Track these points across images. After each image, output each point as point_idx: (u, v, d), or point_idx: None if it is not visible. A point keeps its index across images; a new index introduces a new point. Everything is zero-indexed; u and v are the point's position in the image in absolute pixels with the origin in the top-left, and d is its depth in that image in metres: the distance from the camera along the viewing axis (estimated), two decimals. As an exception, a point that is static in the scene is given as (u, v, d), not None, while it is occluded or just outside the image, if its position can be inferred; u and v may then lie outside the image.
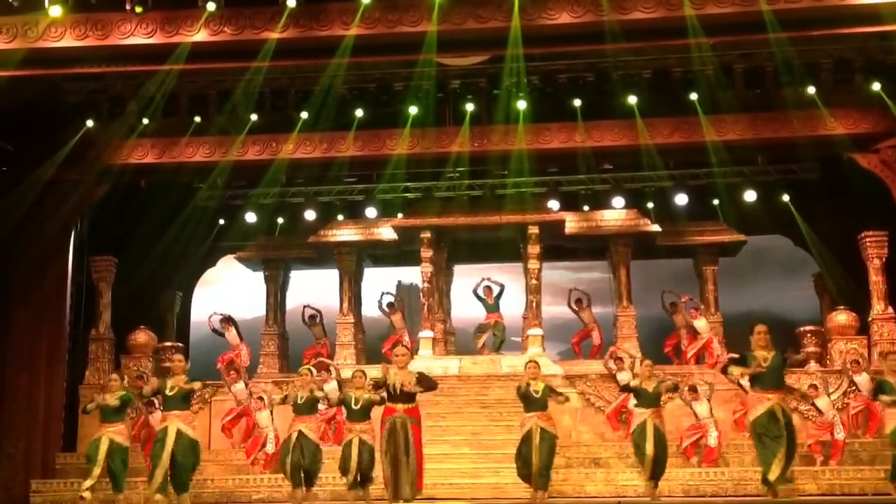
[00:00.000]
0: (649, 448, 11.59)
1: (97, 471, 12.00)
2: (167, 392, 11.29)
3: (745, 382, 14.72)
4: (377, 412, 11.09)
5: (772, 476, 10.02)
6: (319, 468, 12.24)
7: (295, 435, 11.92)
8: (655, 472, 11.79)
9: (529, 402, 11.65)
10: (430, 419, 15.03)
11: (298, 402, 12.09)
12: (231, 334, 17.34)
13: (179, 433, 11.15)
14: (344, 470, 11.61)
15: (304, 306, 19.15)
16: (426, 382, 10.61)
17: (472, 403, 15.61)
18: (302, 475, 11.90)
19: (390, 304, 18.77)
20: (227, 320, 17.46)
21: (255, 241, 19.91)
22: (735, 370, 10.50)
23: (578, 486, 13.92)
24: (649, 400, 11.86)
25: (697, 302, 18.07)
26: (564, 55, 15.19)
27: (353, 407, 11.61)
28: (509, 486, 13.16)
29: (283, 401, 12.51)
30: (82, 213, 16.84)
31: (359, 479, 11.50)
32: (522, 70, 14.66)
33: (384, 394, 11.29)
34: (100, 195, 16.45)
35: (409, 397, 10.54)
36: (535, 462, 11.37)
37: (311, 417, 12.27)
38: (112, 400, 12.05)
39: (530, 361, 12.16)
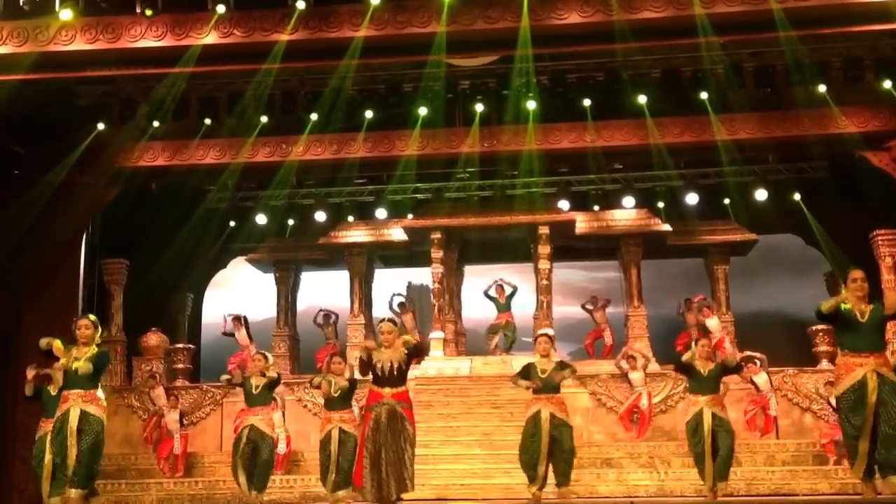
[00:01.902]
0: (707, 445, 9.89)
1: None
2: (71, 366, 8.64)
3: (761, 380, 14.78)
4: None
5: (856, 470, 8.01)
6: (271, 471, 11.38)
7: (245, 431, 10.93)
8: (719, 471, 10.02)
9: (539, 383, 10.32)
10: (441, 419, 15.09)
11: (252, 391, 11.07)
12: (241, 334, 17.37)
13: (84, 416, 8.59)
14: (324, 466, 10.72)
15: (320, 310, 19.16)
16: (415, 348, 9.14)
17: (484, 404, 15.60)
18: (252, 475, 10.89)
19: (401, 305, 18.77)
20: (238, 319, 17.47)
21: (265, 242, 19.98)
22: (827, 304, 8.03)
23: (590, 486, 13.89)
24: (706, 385, 10.16)
25: (710, 301, 18.01)
26: (574, 55, 15.18)
27: (332, 394, 10.82)
28: (520, 486, 13.09)
29: (230, 382, 11.69)
30: (94, 216, 16.91)
31: (339, 475, 10.60)
32: (532, 70, 14.64)
33: (358, 376, 10.60)
34: (111, 198, 16.49)
35: (397, 380, 8.92)
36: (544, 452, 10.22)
37: (266, 409, 11.22)
38: (54, 390, 10.00)
39: (541, 335, 10.96)
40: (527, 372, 10.48)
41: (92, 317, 9.02)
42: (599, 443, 15.37)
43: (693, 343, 10.93)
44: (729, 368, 10.69)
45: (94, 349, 8.70)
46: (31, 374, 10.64)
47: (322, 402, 11.67)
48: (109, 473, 14.96)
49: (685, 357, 10.42)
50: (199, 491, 14.49)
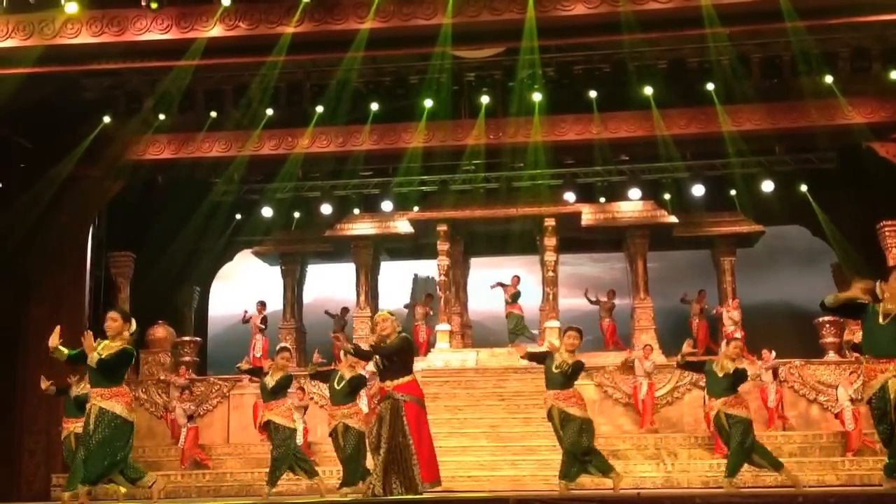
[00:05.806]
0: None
1: None
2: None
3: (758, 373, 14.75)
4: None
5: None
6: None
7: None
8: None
9: (548, 377, 10.05)
10: (448, 411, 15.10)
11: (336, 386, 10.86)
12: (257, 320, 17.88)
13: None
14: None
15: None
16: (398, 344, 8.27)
17: (490, 396, 15.62)
18: None
19: (427, 296, 19.11)
20: (263, 304, 18.27)
21: (271, 235, 20.01)
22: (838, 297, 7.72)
23: (597, 477, 13.88)
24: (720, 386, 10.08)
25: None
26: (580, 46, 15.13)
27: (269, 386, 10.52)
28: (527, 477, 13.15)
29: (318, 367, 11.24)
30: (100, 210, 16.94)
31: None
32: (538, 62, 14.61)
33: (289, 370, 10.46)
34: (117, 191, 16.53)
35: (398, 371, 8.29)
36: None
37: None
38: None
39: (570, 329, 10.14)
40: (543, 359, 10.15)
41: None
42: (606, 434, 15.35)
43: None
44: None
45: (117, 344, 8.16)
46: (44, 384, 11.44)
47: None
48: (117, 466, 14.97)
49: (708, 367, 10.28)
50: (207, 483, 14.53)
